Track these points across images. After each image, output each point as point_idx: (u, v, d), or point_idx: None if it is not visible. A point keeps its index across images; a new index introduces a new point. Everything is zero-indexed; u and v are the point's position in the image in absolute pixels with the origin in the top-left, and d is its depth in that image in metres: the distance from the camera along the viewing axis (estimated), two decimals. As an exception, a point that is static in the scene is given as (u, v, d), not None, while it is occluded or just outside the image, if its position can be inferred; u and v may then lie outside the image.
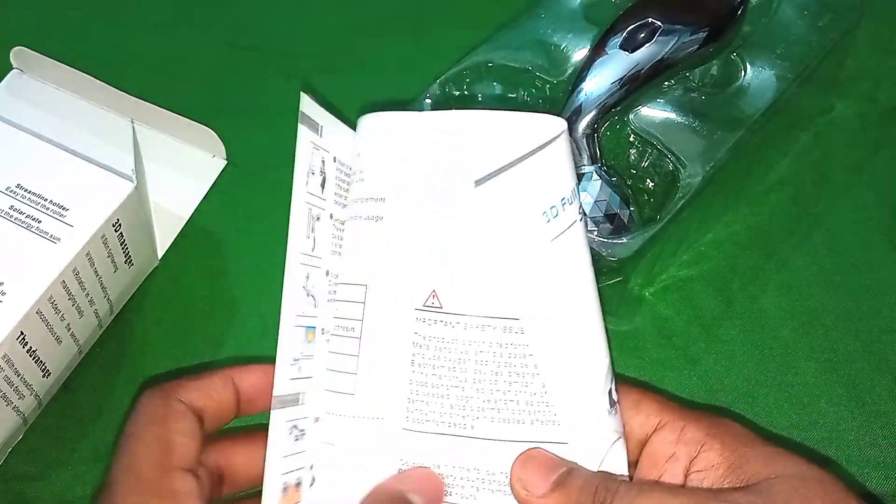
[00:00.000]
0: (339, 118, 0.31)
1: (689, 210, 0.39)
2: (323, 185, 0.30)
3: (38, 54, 0.42)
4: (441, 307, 0.28)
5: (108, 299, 0.40)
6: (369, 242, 0.30)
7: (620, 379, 0.30)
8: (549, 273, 0.29)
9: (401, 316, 0.29)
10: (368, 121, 0.32)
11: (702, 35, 0.39)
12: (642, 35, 0.39)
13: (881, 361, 0.40)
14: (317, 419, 0.29)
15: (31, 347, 0.35)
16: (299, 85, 0.50)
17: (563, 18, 0.44)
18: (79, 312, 0.38)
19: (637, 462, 0.29)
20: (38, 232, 0.36)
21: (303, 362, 0.29)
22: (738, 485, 0.26)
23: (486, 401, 0.28)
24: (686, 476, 0.27)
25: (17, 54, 0.42)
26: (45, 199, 0.37)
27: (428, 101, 0.43)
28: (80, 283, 0.37)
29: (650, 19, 0.39)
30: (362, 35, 0.52)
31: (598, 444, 0.28)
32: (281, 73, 0.50)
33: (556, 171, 0.29)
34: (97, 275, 0.38)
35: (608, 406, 0.28)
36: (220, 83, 0.50)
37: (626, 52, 0.39)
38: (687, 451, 0.27)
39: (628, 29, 0.39)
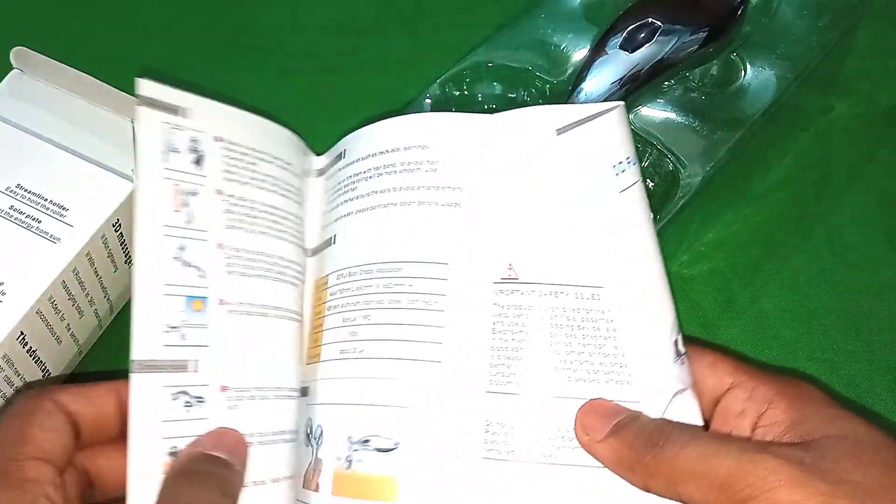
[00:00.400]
0: (228, 105, 0.34)
1: (689, 210, 0.39)
2: (199, 163, 0.32)
3: (38, 54, 0.42)
4: (517, 278, 0.31)
5: (108, 299, 0.40)
6: (447, 225, 0.32)
7: (698, 342, 0.31)
8: (618, 226, 0.31)
9: (480, 289, 0.31)
10: (436, 119, 0.34)
11: (702, 35, 0.39)
12: (642, 35, 0.39)
13: (881, 361, 0.40)
14: (224, 387, 0.31)
15: (31, 347, 0.35)
16: (299, 85, 0.50)
17: (563, 18, 0.44)
18: (79, 312, 0.38)
19: (710, 420, 0.30)
20: (38, 232, 0.36)
21: (186, 330, 0.31)
22: (794, 441, 0.26)
23: (563, 362, 0.30)
24: (752, 432, 0.28)
25: (17, 54, 0.42)
26: (45, 199, 0.37)
27: (428, 101, 0.43)
28: (80, 283, 0.37)
29: (650, 19, 0.39)
30: (362, 35, 0.52)
31: (664, 393, 0.29)
32: (281, 73, 0.50)
33: (622, 132, 0.31)
34: (97, 275, 0.38)
35: (674, 356, 0.29)
36: (220, 83, 0.50)
37: (626, 52, 0.39)
38: (755, 408, 0.28)
39: (628, 29, 0.39)
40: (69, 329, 0.38)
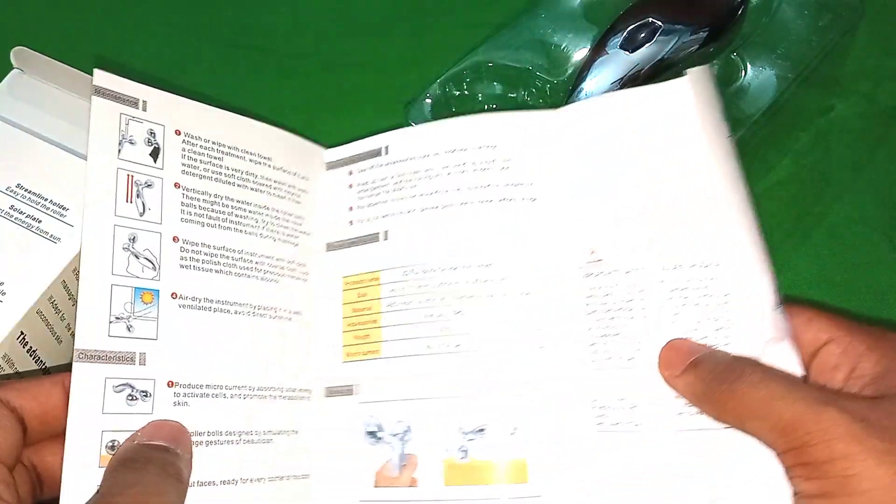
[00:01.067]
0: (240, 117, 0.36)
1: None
2: (155, 155, 0.33)
3: (38, 54, 0.42)
4: (601, 260, 0.32)
5: (109, 299, 0.40)
6: (528, 219, 0.33)
7: (793, 300, 0.31)
8: (706, 195, 0.31)
9: (568, 275, 0.33)
10: (502, 119, 0.35)
11: (702, 35, 0.39)
12: (642, 35, 0.39)
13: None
14: (171, 382, 0.31)
15: (31, 347, 0.35)
16: (299, 85, 0.50)
17: (563, 18, 0.44)
18: (79, 312, 0.38)
19: (808, 374, 0.30)
20: (38, 232, 0.36)
21: (134, 322, 0.31)
22: (873, 395, 0.27)
23: (656, 330, 0.31)
24: (844, 384, 0.28)
25: (17, 54, 0.42)
26: (45, 199, 0.37)
27: (428, 101, 0.43)
28: (81, 283, 0.37)
29: (650, 19, 0.39)
30: (362, 35, 0.52)
31: (760, 341, 0.29)
32: (281, 73, 0.50)
33: (701, 100, 0.33)
34: (97, 275, 0.38)
35: (773, 306, 0.30)
36: (220, 83, 0.50)
37: (627, 52, 0.39)
38: (849, 362, 0.29)
39: (628, 29, 0.39)
40: (69, 329, 0.38)
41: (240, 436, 0.32)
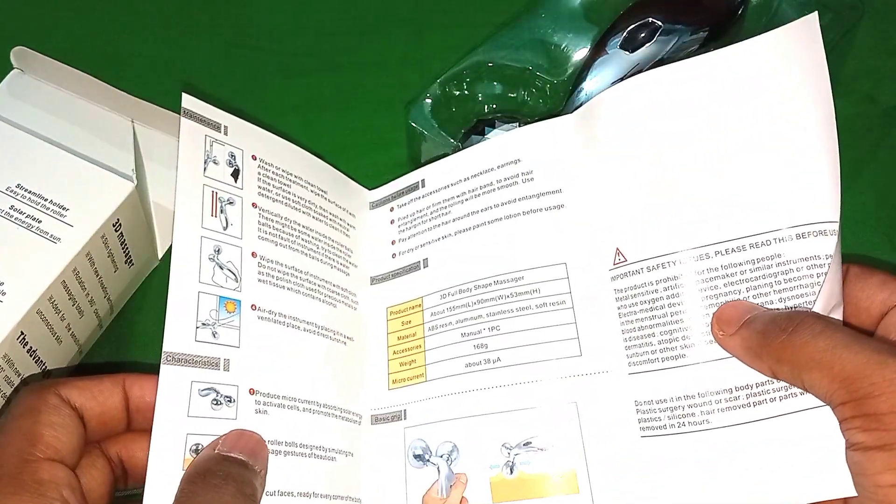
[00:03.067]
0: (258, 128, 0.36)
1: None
2: (236, 176, 0.35)
3: (38, 54, 0.42)
4: (626, 260, 0.32)
5: (109, 299, 0.40)
6: (557, 227, 0.34)
7: (866, 261, 0.31)
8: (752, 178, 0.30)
9: (599, 279, 0.33)
10: (521, 134, 0.36)
11: (702, 35, 0.39)
12: (643, 35, 0.39)
13: None
14: (252, 390, 0.31)
15: (31, 347, 0.35)
16: (299, 85, 0.50)
17: (564, 18, 0.44)
18: (79, 312, 0.38)
19: (874, 333, 0.30)
20: (38, 232, 0.36)
21: (219, 329, 0.31)
22: None
23: (688, 328, 0.30)
24: None
25: (17, 54, 0.42)
26: (45, 199, 0.37)
27: (428, 101, 0.43)
28: (81, 282, 0.37)
29: (650, 19, 0.39)
30: (362, 35, 0.52)
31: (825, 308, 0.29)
32: (281, 73, 0.50)
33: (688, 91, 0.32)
34: (97, 274, 0.38)
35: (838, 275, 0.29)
36: (220, 83, 0.50)
37: (627, 52, 0.39)
38: None
39: (629, 29, 0.39)
40: (69, 329, 0.38)
41: (311, 450, 0.33)
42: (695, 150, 0.31)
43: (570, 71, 0.43)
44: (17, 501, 0.26)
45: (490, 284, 0.34)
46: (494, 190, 0.35)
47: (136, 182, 0.38)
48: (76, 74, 0.42)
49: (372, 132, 0.48)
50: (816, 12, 0.31)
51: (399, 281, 0.37)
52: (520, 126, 0.40)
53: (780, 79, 0.31)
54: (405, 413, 0.34)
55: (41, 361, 0.37)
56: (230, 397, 0.31)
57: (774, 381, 0.29)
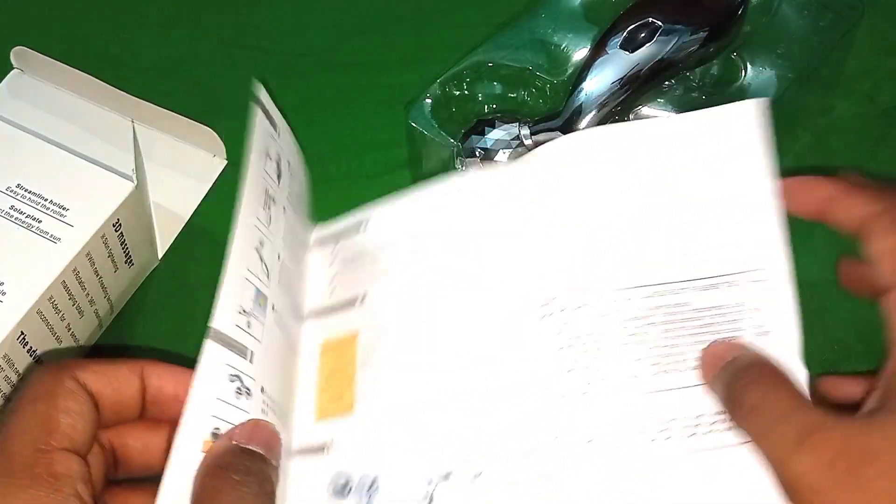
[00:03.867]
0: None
1: (690, 210, 0.39)
2: (279, 177, 0.35)
3: (38, 54, 0.42)
4: (555, 298, 0.32)
5: (109, 299, 0.40)
6: (488, 268, 0.34)
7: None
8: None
9: (528, 319, 0.32)
10: (463, 182, 0.36)
11: (702, 35, 0.39)
12: (642, 35, 0.39)
13: (882, 361, 0.40)
14: (262, 388, 0.31)
15: (31, 347, 0.35)
16: (299, 85, 0.50)
17: (563, 18, 0.44)
18: (79, 312, 0.38)
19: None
20: (38, 232, 0.36)
21: (251, 319, 0.31)
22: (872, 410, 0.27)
23: (636, 360, 0.30)
24: None
25: (17, 54, 0.42)
26: (45, 199, 0.37)
27: (428, 101, 0.43)
28: (81, 282, 0.37)
29: (650, 19, 0.39)
30: (362, 35, 0.52)
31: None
32: (281, 73, 0.50)
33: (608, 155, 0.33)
34: (97, 274, 0.38)
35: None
36: (220, 83, 0.50)
37: (627, 52, 0.39)
38: None
39: (628, 29, 0.39)
40: (69, 329, 0.38)
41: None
42: (624, 204, 0.32)
43: (570, 71, 0.43)
44: (31, 496, 0.24)
45: (423, 322, 0.34)
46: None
47: (136, 182, 0.38)
48: (76, 74, 0.42)
49: (372, 132, 0.48)
50: (767, 99, 0.33)
51: (335, 316, 0.37)
52: (519, 126, 0.40)
53: (711, 155, 0.32)
54: (329, 446, 0.33)
55: (41, 361, 0.37)
56: (249, 390, 0.30)
57: (702, 416, 0.29)
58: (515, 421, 0.31)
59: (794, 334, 0.30)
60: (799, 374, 0.29)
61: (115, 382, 0.29)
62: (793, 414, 0.26)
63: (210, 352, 0.29)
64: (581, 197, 0.33)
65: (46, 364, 0.28)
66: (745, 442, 0.28)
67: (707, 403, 0.29)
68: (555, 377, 0.31)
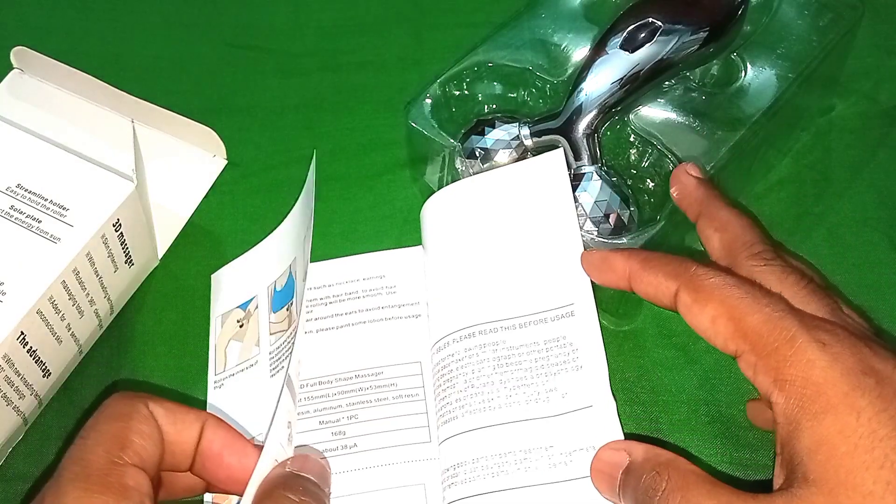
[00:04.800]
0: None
1: (690, 210, 0.39)
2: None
3: (38, 54, 0.42)
4: (443, 336, 0.37)
5: (109, 299, 0.40)
6: (413, 333, 0.38)
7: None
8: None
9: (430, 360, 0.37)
10: (385, 256, 0.41)
11: (702, 35, 0.39)
12: (642, 35, 0.39)
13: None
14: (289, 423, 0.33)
15: (31, 347, 0.35)
16: (299, 85, 0.50)
17: (563, 18, 0.44)
18: (79, 312, 0.38)
19: None
20: (38, 232, 0.36)
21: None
22: (782, 477, 0.27)
23: (486, 396, 0.34)
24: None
25: (17, 54, 0.42)
26: (45, 199, 0.37)
27: (428, 101, 0.43)
28: (81, 282, 0.37)
29: (650, 19, 0.39)
30: (362, 34, 0.52)
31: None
32: (281, 73, 0.50)
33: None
34: (97, 275, 0.38)
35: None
36: (220, 83, 0.50)
37: (627, 52, 0.39)
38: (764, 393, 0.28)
39: (628, 29, 0.39)
40: (69, 329, 0.38)
41: None
42: (483, 248, 0.37)
43: (570, 71, 0.43)
44: (103, 502, 0.26)
45: (351, 378, 0.37)
46: (360, 297, 0.40)
47: (136, 182, 0.38)
48: (76, 74, 0.42)
49: (372, 132, 0.48)
50: (561, 149, 0.38)
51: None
52: (519, 126, 0.40)
53: (531, 199, 0.38)
54: None
55: (41, 361, 0.37)
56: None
57: (550, 448, 0.32)
58: (435, 469, 0.34)
59: (603, 367, 0.33)
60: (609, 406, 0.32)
61: (180, 424, 0.30)
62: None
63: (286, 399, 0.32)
64: (442, 248, 0.38)
65: (122, 391, 0.31)
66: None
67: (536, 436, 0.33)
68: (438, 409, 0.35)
